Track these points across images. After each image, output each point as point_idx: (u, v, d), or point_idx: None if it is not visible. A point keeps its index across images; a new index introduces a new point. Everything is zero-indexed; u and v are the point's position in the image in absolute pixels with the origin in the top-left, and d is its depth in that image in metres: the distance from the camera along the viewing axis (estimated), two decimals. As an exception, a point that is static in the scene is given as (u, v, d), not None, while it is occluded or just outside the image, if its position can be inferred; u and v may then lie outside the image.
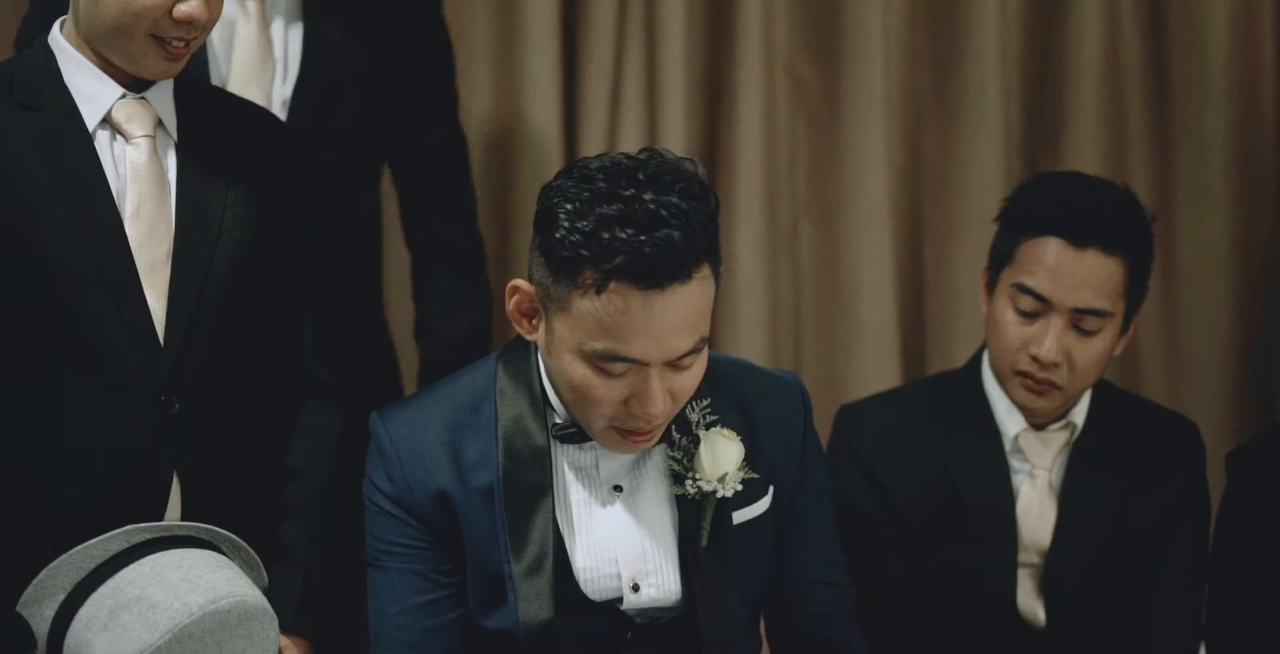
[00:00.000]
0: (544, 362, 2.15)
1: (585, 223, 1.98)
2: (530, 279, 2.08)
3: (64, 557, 2.23)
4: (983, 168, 3.33)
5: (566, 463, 2.19)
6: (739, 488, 2.18)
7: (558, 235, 2.00)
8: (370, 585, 2.24)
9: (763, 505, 2.23)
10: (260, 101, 2.60)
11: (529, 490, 2.15)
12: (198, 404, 2.31)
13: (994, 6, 3.34)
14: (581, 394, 2.06)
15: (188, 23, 2.25)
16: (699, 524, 2.18)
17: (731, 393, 2.24)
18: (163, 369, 2.28)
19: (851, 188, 3.38)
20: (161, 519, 2.30)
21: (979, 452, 2.66)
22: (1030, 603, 2.66)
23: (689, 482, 2.17)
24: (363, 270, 2.85)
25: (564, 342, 2.05)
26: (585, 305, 2.00)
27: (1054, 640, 2.65)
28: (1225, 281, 3.43)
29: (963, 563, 2.64)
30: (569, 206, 2.00)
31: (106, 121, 2.30)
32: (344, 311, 2.58)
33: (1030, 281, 2.56)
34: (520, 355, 2.21)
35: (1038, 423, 2.66)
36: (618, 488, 2.19)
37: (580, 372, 2.05)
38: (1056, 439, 2.67)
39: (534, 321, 2.11)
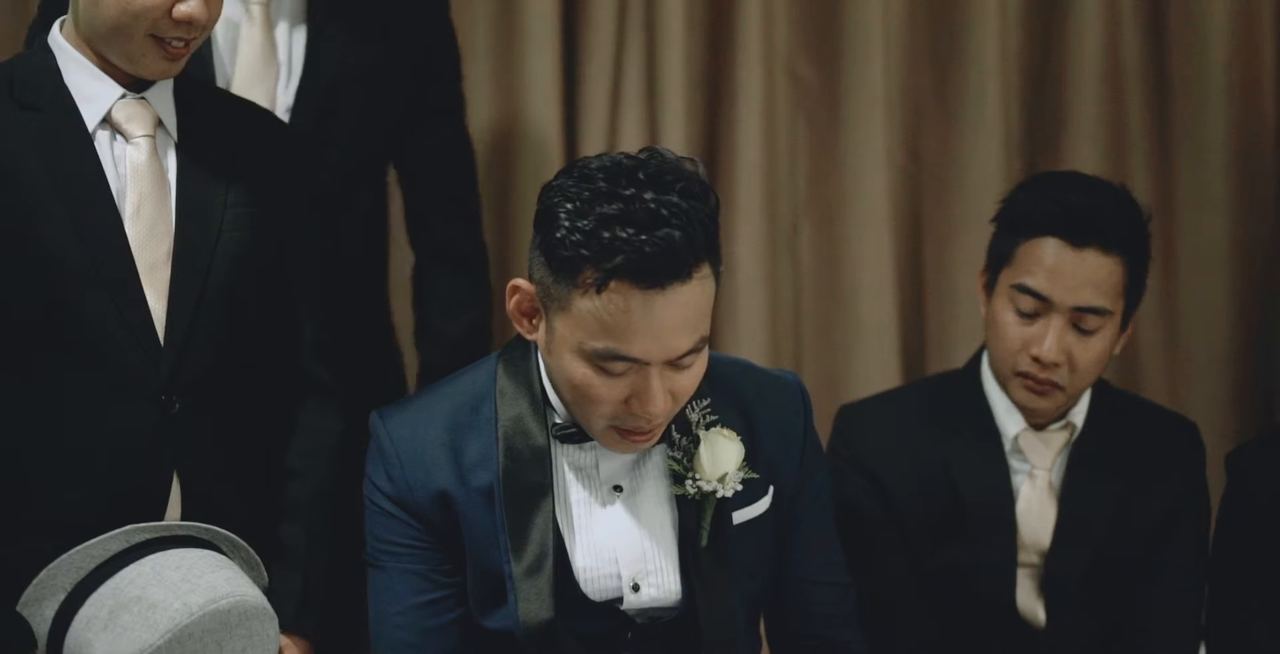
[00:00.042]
0: (544, 361, 2.15)
1: (586, 222, 1.98)
2: (530, 278, 2.08)
3: (64, 557, 2.23)
4: (983, 168, 3.33)
5: (566, 463, 2.19)
6: (739, 488, 2.18)
7: (558, 235, 2.00)
8: (370, 585, 2.24)
9: (763, 505, 2.23)
10: (264, 104, 2.60)
11: (529, 490, 2.15)
12: (198, 404, 2.31)
13: (994, 6, 3.34)
14: (582, 394, 2.06)
15: (187, 23, 2.25)
16: (699, 524, 2.18)
17: (731, 393, 2.24)
18: (163, 369, 2.28)
19: (851, 188, 3.38)
20: (161, 519, 2.30)
21: (979, 452, 2.66)
22: (1030, 603, 2.66)
23: (689, 482, 2.17)
24: (367, 271, 2.85)
25: (564, 341, 2.05)
26: (586, 304, 2.00)
27: (1054, 640, 2.65)
28: (1225, 281, 3.43)
29: (962, 563, 2.64)
30: (569, 206, 2.00)
31: (106, 121, 2.30)
32: (344, 311, 2.58)
33: (1030, 282, 2.57)
34: (520, 355, 2.21)
35: (1037, 423, 2.66)
36: (618, 488, 2.19)
37: (581, 371, 2.05)
38: (1056, 439, 2.67)
39: (534, 321, 2.11)
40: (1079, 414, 2.68)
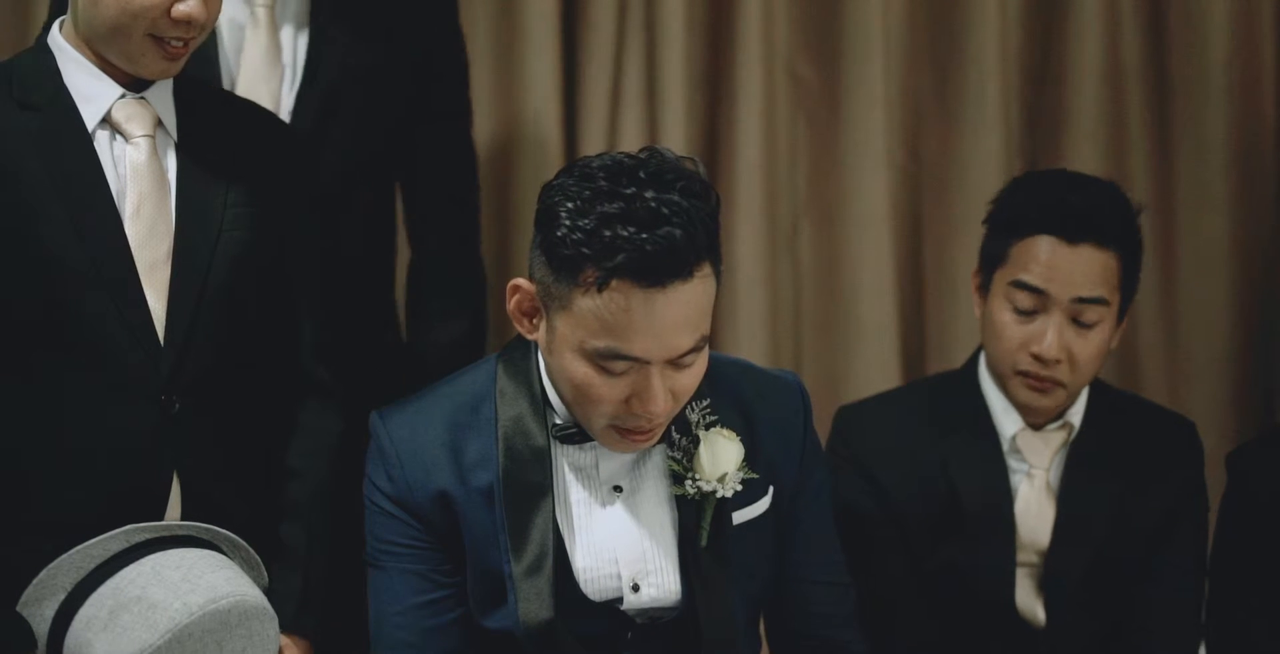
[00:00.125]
0: (545, 361, 2.15)
1: (587, 221, 1.98)
2: (531, 278, 2.08)
3: (64, 557, 2.23)
4: (983, 168, 3.32)
5: (566, 463, 2.19)
6: (739, 488, 2.18)
7: (559, 233, 2.00)
8: (370, 585, 2.24)
9: (762, 505, 2.23)
10: (269, 106, 2.60)
11: (529, 490, 2.15)
12: (198, 404, 2.31)
13: (994, 6, 3.34)
14: (582, 393, 2.06)
15: (186, 22, 2.25)
16: (699, 524, 2.18)
17: (731, 393, 2.24)
18: (163, 369, 2.28)
19: (851, 188, 3.38)
20: (161, 519, 2.30)
21: (977, 451, 2.66)
22: (1029, 602, 2.66)
23: (689, 482, 2.17)
24: (371, 270, 2.84)
25: (565, 340, 2.05)
26: (587, 303, 2.00)
27: (1054, 640, 2.65)
28: (1225, 281, 3.43)
29: (961, 563, 2.64)
30: (570, 205, 2.00)
31: (106, 121, 2.30)
32: (346, 311, 2.58)
33: (1027, 278, 2.57)
34: (520, 355, 2.21)
35: (1035, 423, 2.67)
36: (618, 488, 2.19)
37: (581, 370, 2.05)
38: (1054, 439, 2.67)
39: (535, 320, 2.11)
40: (1076, 414, 2.68)
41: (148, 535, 2.26)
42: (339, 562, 2.39)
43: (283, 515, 2.39)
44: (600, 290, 1.99)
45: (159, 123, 2.32)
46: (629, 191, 1.99)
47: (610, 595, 2.18)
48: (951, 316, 3.37)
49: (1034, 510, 2.66)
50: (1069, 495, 2.65)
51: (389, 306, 2.92)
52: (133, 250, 2.28)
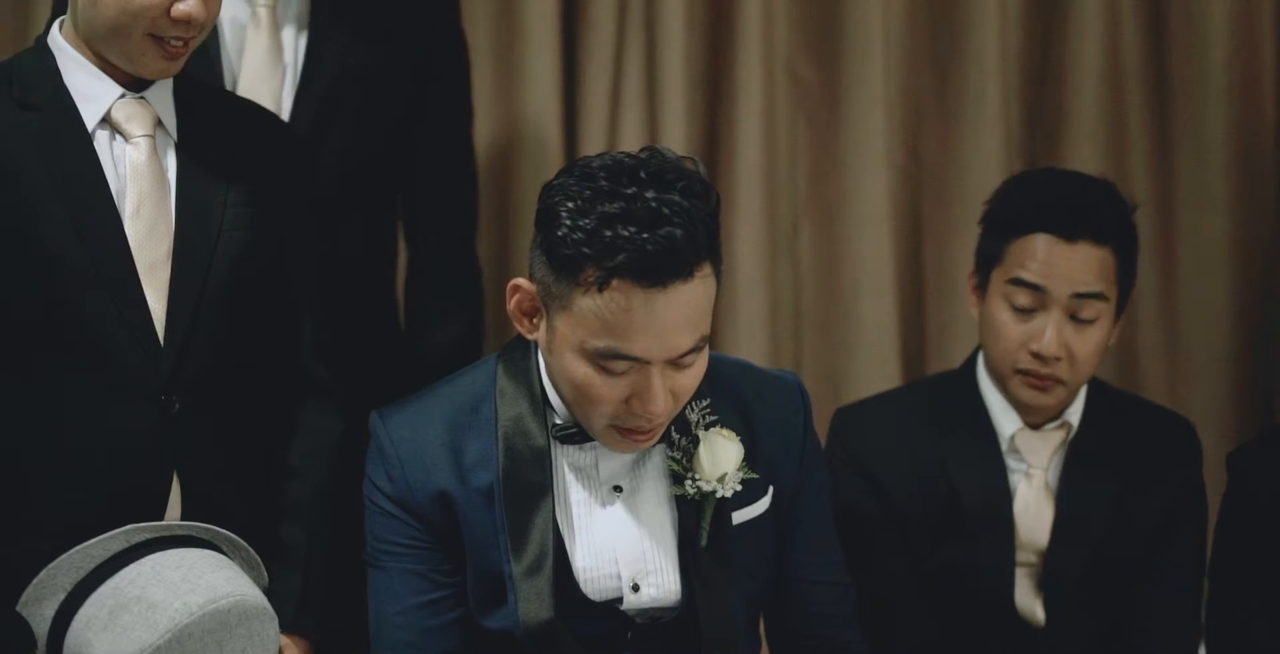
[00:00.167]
0: (545, 361, 2.15)
1: (587, 221, 1.98)
2: (531, 278, 2.08)
3: (64, 557, 2.23)
4: (983, 168, 3.32)
5: (566, 463, 2.19)
6: (738, 488, 2.18)
7: (560, 233, 2.00)
8: (370, 585, 2.24)
9: (762, 505, 2.23)
10: (270, 106, 2.61)
11: (529, 490, 2.15)
12: (198, 404, 2.31)
13: (994, 6, 3.34)
14: (583, 393, 2.06)
15: (185, 22, 2.25)
16: (698, 524, 2.18)
17: (731, 393, 2.24)
18: (163, 369, 2.28)
19: (851, 188, 3.38)
20: (161, 519, 2.30)
21: (975, 451, 2.66)
22: (1029, 602, 2.66)
23: (688, 482, 2.17)
24: (372, 270, 2.84)
25: (565, 340, 2.05)
26: (587, 303, 2.00)
27: (1053, 640, 2.65)
28: (1225, 281, 3.43)
29: (961, 562, 2.64)
30: (571, 205, 2.00)
31: (106, 121, 2.30)
32: (347, 311, 2.58)
33: (1025, 275, 2.58)
34: (520, 355, 2.21)
35: (1034, 422, 2.67)
36: (617, 488, 2.19)
37: (582, 370, 2.05)
38: (1052, 438, 2.67)
39: (535, 320, 2.11)
40: (1075, 413, 2.68)
41: (148, 535, 2.26)
42: (339, 562, 2.39)
43: (283, 515, 2.39)
44: (601, 290, 1.99)
45: (159, 123, 2.32)
46: (630, 191, 1.99)
47: (610, 595, 2.17)
48: (951, 316, 3.37)
49: (1033, 510, 2.66)
50: (1067, 495, 2.65)
51: (389, 306, 2.91)
52: (132, 250, 2.28)
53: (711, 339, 2.10)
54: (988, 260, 2.65)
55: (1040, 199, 2.61)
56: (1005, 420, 2.67)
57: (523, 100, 3.28)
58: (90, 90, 2.30)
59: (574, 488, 2.19)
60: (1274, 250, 3.45)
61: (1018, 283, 2.59)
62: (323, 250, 2.49)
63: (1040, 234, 2.58)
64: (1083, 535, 2.64)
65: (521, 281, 2.10)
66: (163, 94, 2.34)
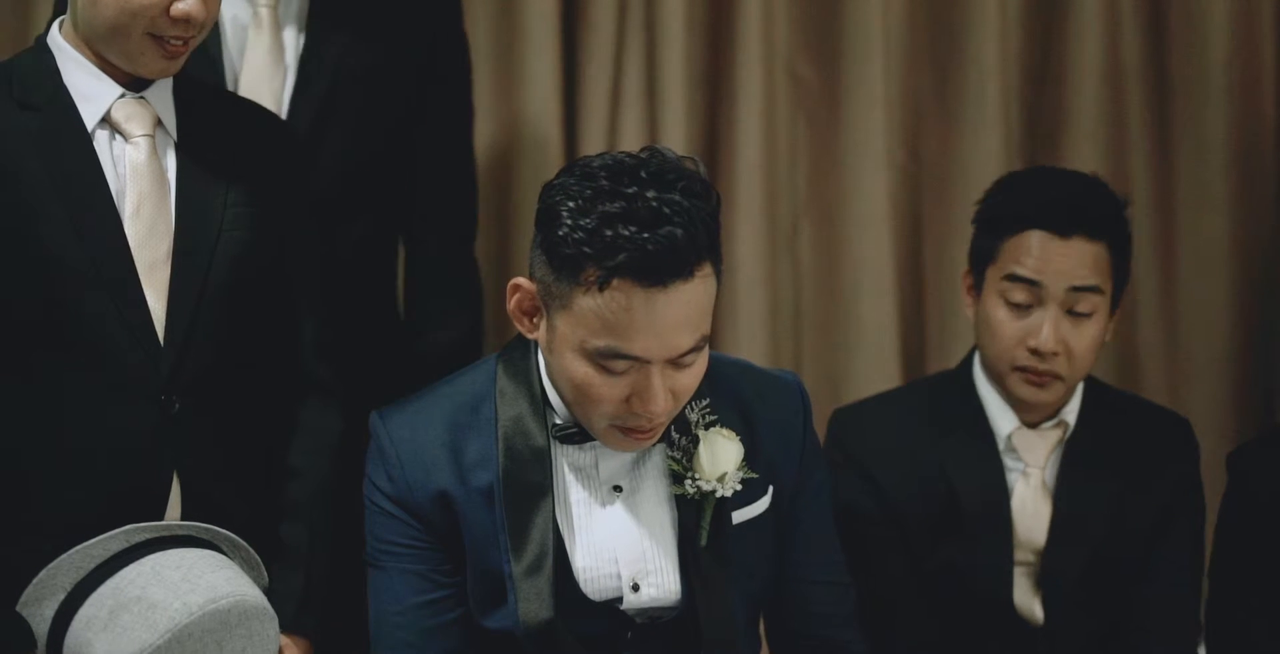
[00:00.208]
0: (545, 360, 2.15)
1: (588, 220, 1.98)
2: (531, 277, 2.08)
3: (64, 557, 2.23)
4: (983, 168, 3.32)
5: (566, 463, 2.19)
6: (738, 487, 2.18)
7: (560, 233, 2.00)
8: (370, 585, 2.24)
9: (762, 505, 2.23)
10: (271, 107, 2.61)
11: (529, 490, 2.15)
12: (198, 404, 2.31)
13: (994, 6, 3.34)
14: (583, 392, 2.06)
15: (185, 21, 2.25)
16: (698, 524, 2.18)
17: (731, 393, 2.24)
18: (163, 369, 2.28)
19: (851, 188, 3.38)
20: (161, 519, 2.30)
21: (973, 450, 2.67)
22: (1027, 601, 2.67)
23: (688, 481, 2.17)
24: (371, 270, 2.84)
25: (566, 340, 2.05)
26: (588, 303, 2.00)
27: (1052, 639, 2.66)
28: (1225, 281, 3.43)
29: (959, 562, 2.65)
30: (571, 204, 2.00)
31: (105, 121, 2.30)
32: (348, 310, 2.58)
33: (1020, 271, 2.59)
34: (520, 355, 2.21)
35: (1030, 421, 2.68)
36: (617, 488, 2.19)
37: (582, 370, 2.05)
38: (1049, 437, 2.68)
39: (535, 320, 2.11)
40: (1071, 412, 2.69)
41: (148, 535, 2.26)
42: (339, 561, 2.39)
43: (283, 515, 2.39)
44: (601, 289, 1.99)
45: (158, 122, 2.32)
46: (630, 191, 1.99)
47: (610, 595, 2.17)
48: (951, 316, 3.37)
49: (1030, 509, 2.66)
50: (1065, 494, 2.66)
51: (389, 306, 2.91)
52: (132, 250, 2.28)
53: (711, 339, 2.10)
54: (982, 259, 2.66)
55: (1034, 196, 2.63)
56: (1002, 420, 2.68)
57: (523, 100, 3.28)
58: (90, 90, 2.30)
59: (574, 488, 2.19)
60: (1274, 250, 3.45)
61: (1013, 279, 2.60)
62: (323, 250, 2.49)
63: (1035, 231, 2.59)
64: (1080, 534, 2.64)
65: (522, 281, 2.10)
66: (162, 94, 2.34)
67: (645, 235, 1.96)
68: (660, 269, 1.97)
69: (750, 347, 3.30)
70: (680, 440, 2.18)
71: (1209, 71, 3.41)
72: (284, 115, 2.65)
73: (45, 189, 2.25)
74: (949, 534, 2.65)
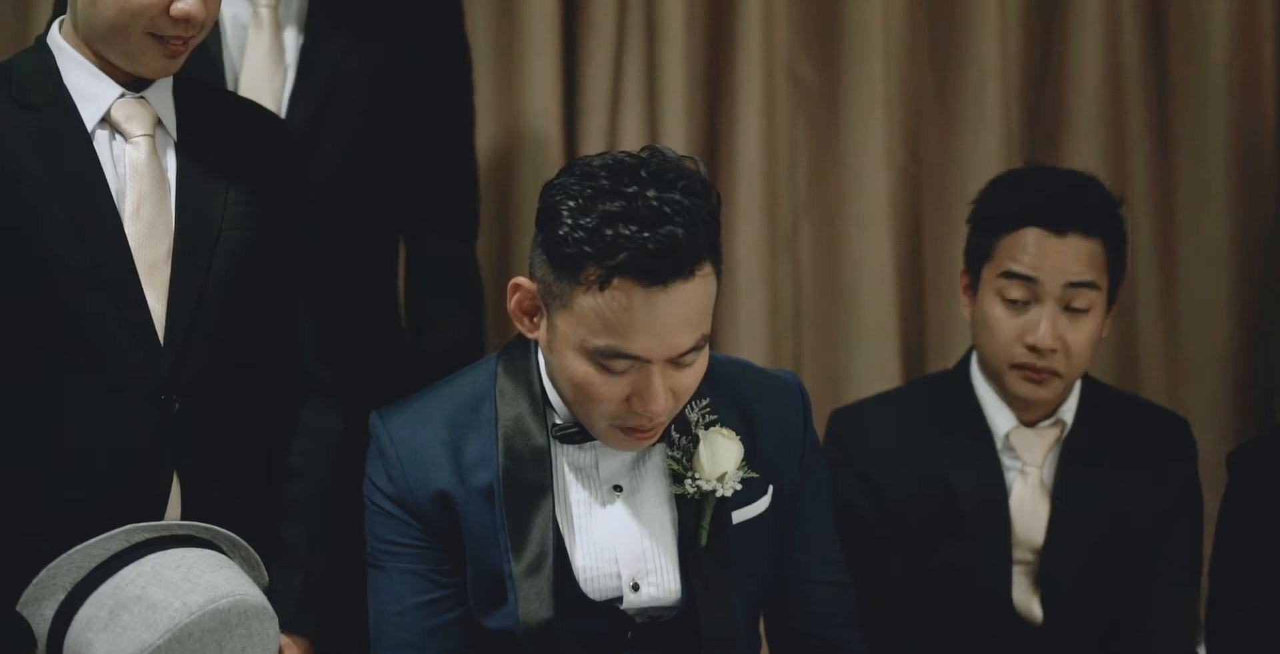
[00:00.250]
0: (545, 360, 2.15)
1: (588, 219, 1.98)
2: (532, 276, 2.08)
3: (64, 556, 2.23)
4: (983, 168, 3.32)
5: (566, 463, 2.19)
6: (738, 487, 2.18)
7: (561, 232, 2.00)
8: (370, 585, 2.24)
9: (762, 505, 2.23)
10: (271, 107, 2.61)
11: (529, 490, 2.15)
12: (198, 404, 2.31)
13: (994, 6, 3.34)
14: (583, 392, 2.06)
15: (185, 20, 2.25)
16: (698, 523, 2.18)
17: (731, 393, 2.24)
18: (163, 369, 2.28)
19: (851, 188, 3.38)
20: (161, 519, 2.30)
21: (971, 450, 2.68)
22: (1026, 600, 2.67)
23: (688, 481, 2.17)
24: (371, 270, 2.84)
25: (566, 339, 2.05)
26: (588, 302, 2.00)
27: (1051, 638, 2.66)
28: (1225, 281, 3.43)
29: (958, 561, 2.65)
30: (572, 203, 2.00)
31: (105, 121, 2.30)
32: (348, 310, 2.58)
33: (1017, 267, 2.60)
34: (520, 355, 2.21)
35: (1028, 420, 2.68)
36: (617, 487, 2.19)
37: (582, 369, 2.05)
38: (1047, 436, 2.69)
39: (535, 319, 2.11)
40: (1069, 411, 2.70)
41: (148, 535, 2.26)
42: (339, 561, 2.39)
43: (283, 515, 2.38)
44: (602, 289, 1.99)
45: (158, 122, 2.32)
46: (630, 190, 1.99)
47: (610, 595, 2.17)
48: (951, 316, 3.37)
49: (1028, 508, 2.67)
50: (1062, 492, 2.67)
51: (389, 306, 2.91)
52: (132, 250, 2.28)
53: (711, 339, 2.10)
54: (978, 258, 2.67)
55: (1029, 194, 2.65)
56: (1000, 419, 2.69)
57: (523, 100, 3.28)
58: (90, 90, 2.30)
59: (574, 487, 2.19)
60: (1274, 250, 3.45)
61: (1010, 276, 2.61)
62: (323, 250, 2.49)
63: (1030, 228, 2.60)
64: (1078, 533, 2.65)
65: (522, 280, 2.10)
66: (162, 93, 2.34)
67: (646, 234, 1.96)
68: (661, 268, 1.97)
69: (750, 347, 3.30)
70: (680, 440, 2.18)
71: (1209, 71, 3.41)
72: (283, 115, 2.65)
73: (45, 189, 2.25)
74: (948, 534, 2.66)
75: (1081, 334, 2.61)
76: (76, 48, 2.31)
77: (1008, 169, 3.27)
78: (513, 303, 2.11)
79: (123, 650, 2.15)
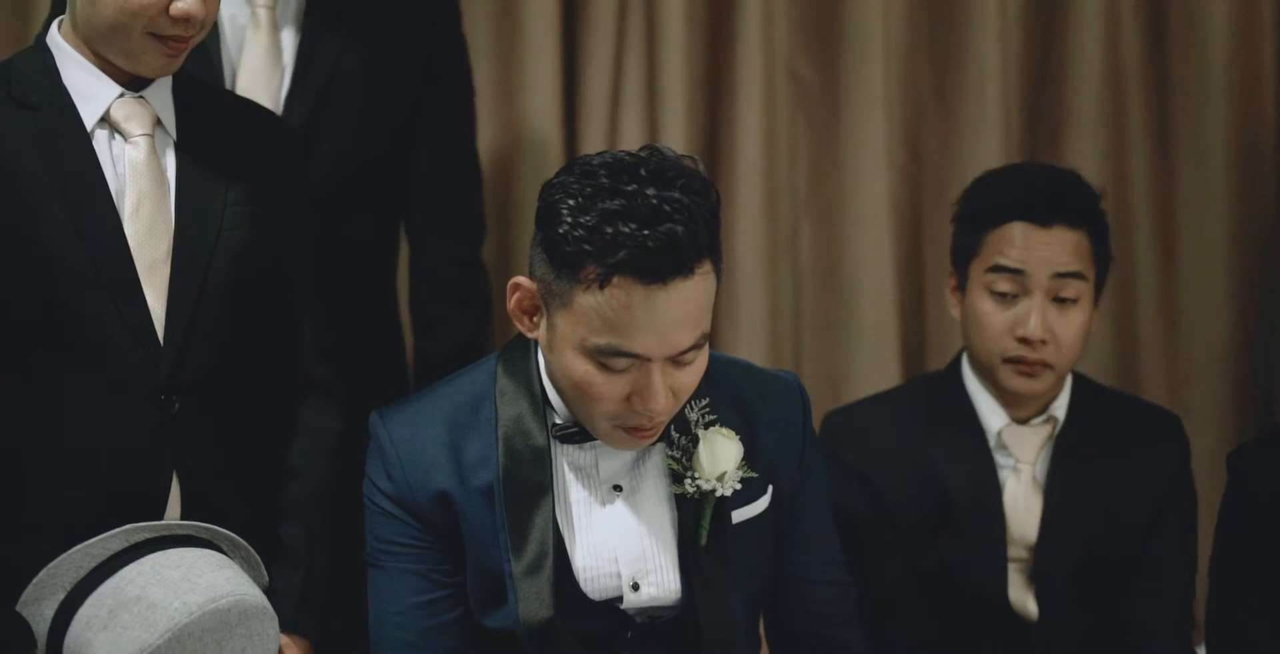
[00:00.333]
0: (545, 359, 2.15)
1: (588, 218, 1.98)
2: (531, 276, 2.08)
3: (64, 556, 2.23)
4: (982, 168, 3.28)
5: (566, 462, 2.19)
6: (738, 487, 2.18)
7: (560, 230, 2.00)
8: (370, 585, 2.24)
9: (762, 504, 2.23)
10: (269, 107, 2.60)
11: (529, 490, 2.15)
12: (198, 404, 2.31)
13: (994, 6, 3.34)
14: (583, 391, 2.06)
15: (184, 20, 2.25)
16: (698, 523, 2.18)
17: (730, 393, 2.24)
18: (162, 368, 2.28)
19: (851, 188, 3.38)
20: (161, 519, 2.30)
21: (964, 448, 2.69)
22: (1021, 597, 2.68)
23: (688, 481, 2.17)
24: (372, 270, 2.84)
25: (566, 338, 2.05)
26: (588, 300, 2.00)
27: (1047, 634, 2.67)
28: (1225, 282, 3.43)
29: (953, 559, 2.66)
30: (571, 202, 2.00)
31: (105, 120, 2.30)
32: (347, 310, 2.58)
33: (1004, 261, 2.63)
34: (520, 355, 2.21)
35: (1020, 417, 2.69)
36: (617, 487, 2.19)
37: (582, 368, 2.05)
38: (1039, 432, 2.70)
39: (535, 319, 2.11)
40: (1060, 408, 2.72)
41: (148, 535, 2.26)
42: (339, 561, 2.39)
43: (283, 515, 2.38)
44: (602, 287, 1.99)
45: (158, 122, 2.32)
46: (630, 189, 1.99)
47: (610, 594, 2.17)
48: (951, 316, 3.37)
49: (1022, 505, 2.68)
50: (1055, 489, 2.68)
51: (389, 306, 2.91)
52: (132, 250, 2.28)
53: (711, 339, 2.10)
54: (965, 255, 2.70)
55: (1012, 189, 2.68)
56: (992, 417, 2.70)
57: (523, 100, 3.28)
58: (89, 89, 2.30)
59: (574, 487, 2.19)
60: (1274, 250, 3.45)
61: (998, 270, 2.63)
62: (323, 250, 2.48)
63: (1016, 222, 2.64)
64: (1071, 528, 2.66)
65: (522, 280, 2.10)
66: (162, 93, 2.34)
67: (645, 232, 1.97)
68: (660, 266, 1.98)
69: (750, 347, 3.30)
70: (680, 440, 2.18)
71: (1209, 71, 3.41)
72: (281, 115, 2.65)
73: (45, 189, 2.25)
74: (943, 532, 2.66)
75: (1071, 325, 2.63)
76: (76, 47, 2.31)
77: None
78: (512, 302, 2.11)
79: (122, 650, 2.15)
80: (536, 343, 2.15)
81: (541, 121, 3.27)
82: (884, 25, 3.34)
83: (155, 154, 2.31)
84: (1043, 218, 2.62)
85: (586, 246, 1.98)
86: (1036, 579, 2.67)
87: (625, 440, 2.12)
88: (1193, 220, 3.43)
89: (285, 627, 2.30)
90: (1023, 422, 2.70)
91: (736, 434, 2.19)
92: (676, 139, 3.24)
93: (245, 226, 2.34)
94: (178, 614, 2.15)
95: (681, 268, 1.99)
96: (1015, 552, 2.67)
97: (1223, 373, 3.44)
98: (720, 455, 2.17)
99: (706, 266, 2.03)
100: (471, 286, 2.92)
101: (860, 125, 3.37)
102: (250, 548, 2.32)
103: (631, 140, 3.24)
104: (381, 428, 2.21)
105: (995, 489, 2.67)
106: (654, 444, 2.17)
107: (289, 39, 2.71)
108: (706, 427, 2.19)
